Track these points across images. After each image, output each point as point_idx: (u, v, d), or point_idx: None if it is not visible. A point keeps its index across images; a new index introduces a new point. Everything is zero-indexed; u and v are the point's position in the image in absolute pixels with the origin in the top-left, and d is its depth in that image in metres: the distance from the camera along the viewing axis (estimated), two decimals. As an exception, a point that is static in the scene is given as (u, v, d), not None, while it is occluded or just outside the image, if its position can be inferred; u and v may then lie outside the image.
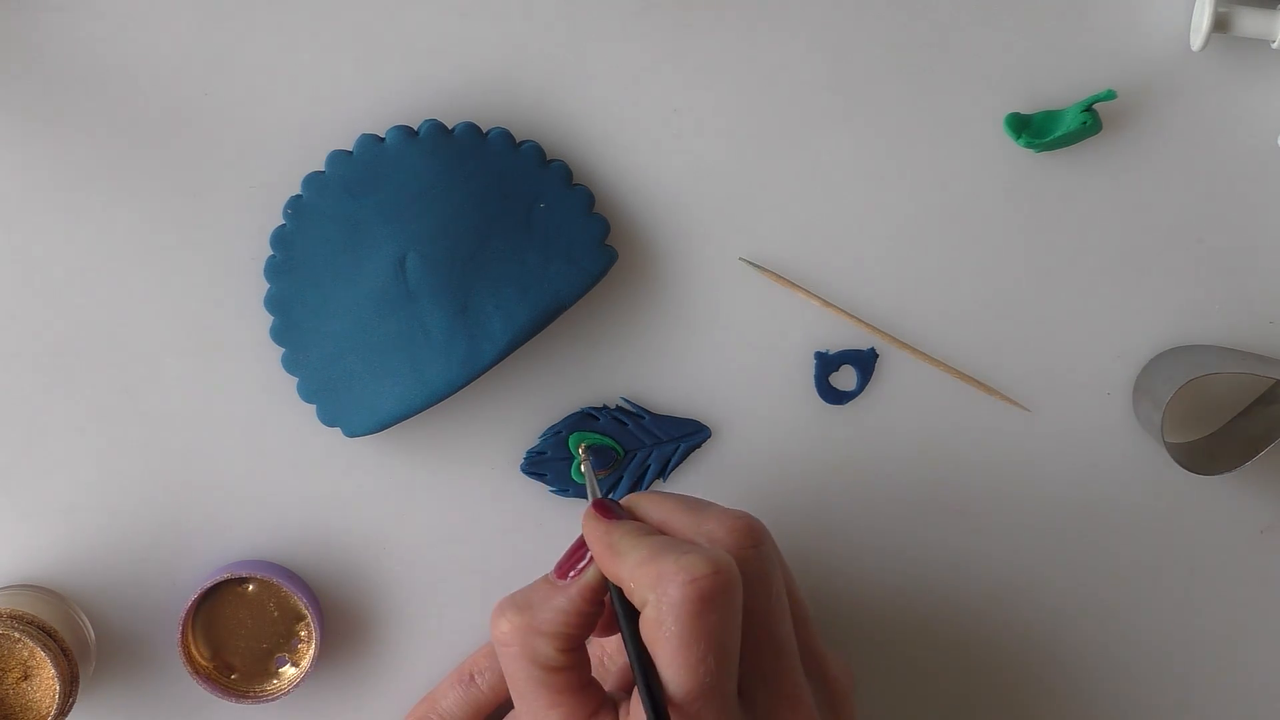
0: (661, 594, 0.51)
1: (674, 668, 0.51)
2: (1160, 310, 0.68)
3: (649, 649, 0.52)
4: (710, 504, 0.57)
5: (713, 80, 0.66)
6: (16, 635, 0.61)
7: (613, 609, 0.55)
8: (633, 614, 0.54)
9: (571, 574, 0.55)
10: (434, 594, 0.68)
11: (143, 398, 0.66)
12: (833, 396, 0.68)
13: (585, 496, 0.67)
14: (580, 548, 0.56)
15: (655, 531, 0.55)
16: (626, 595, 0.54)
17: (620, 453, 0.67)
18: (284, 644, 0.66)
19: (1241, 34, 0.65)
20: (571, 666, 0.55)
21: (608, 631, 0.57)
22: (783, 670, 0.54)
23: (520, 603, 0.55)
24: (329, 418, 0.65)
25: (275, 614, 0.66)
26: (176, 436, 0.66)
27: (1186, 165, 0.68)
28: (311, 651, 0.65)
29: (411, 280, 0.64)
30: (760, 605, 0.54)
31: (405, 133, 0.64)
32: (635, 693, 0.53)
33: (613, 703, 0.55)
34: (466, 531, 0.67)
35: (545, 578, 0.56)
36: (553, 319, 0.65)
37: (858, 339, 0.68)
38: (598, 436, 0.67)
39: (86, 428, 0.66)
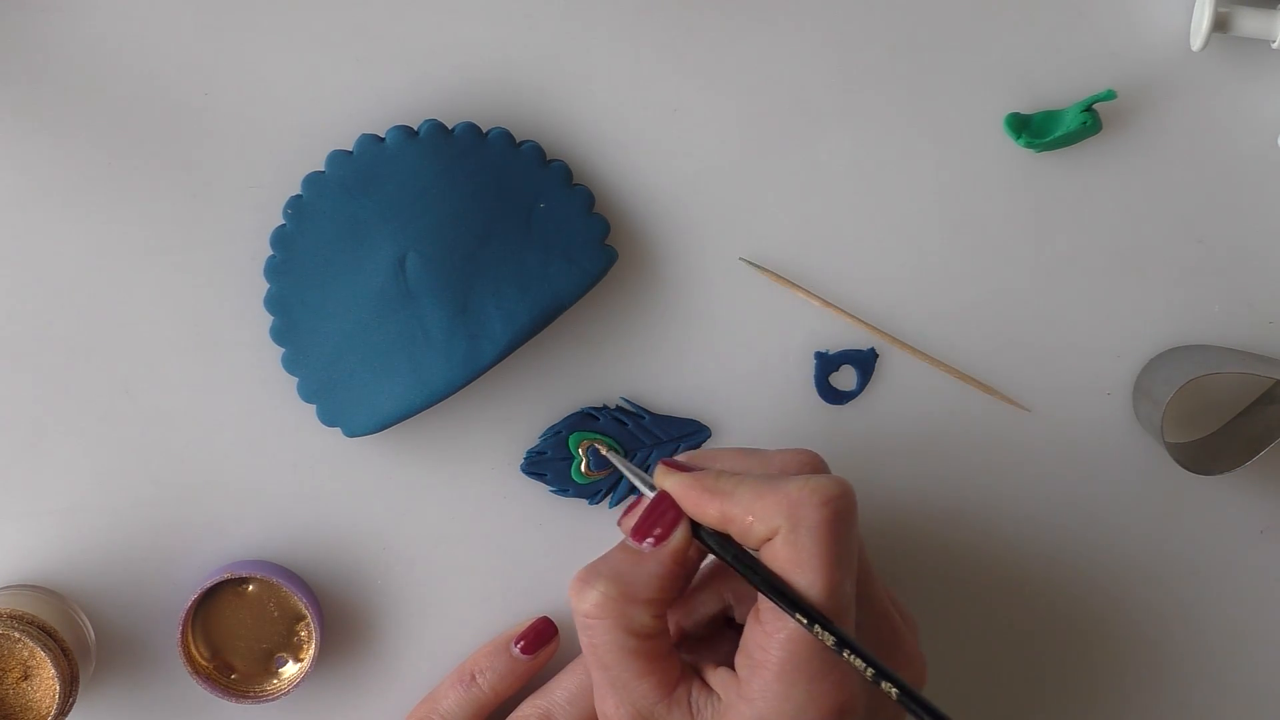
0: (799, 519, 0.53)
1: (822, 586, 0.52)
2: (1160, 310, 0.68)
3: (785, 576, 0.53)
4: (762, 449, 0.58)
5: (713, 80, 0.66)
6: (16, 635, 0.61)
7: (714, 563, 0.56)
8: (743, 551, 0.54)
9: (655, 538, 0.55)
10: (434, 594, 0.68)
11: (143, 398, 0.66)
12: (833, 396, 0.68)
13: (585, 496, 0.68)
14: (657, 510, 0.56)
15: (742, 468, 0.56)
16: (739, 534, 0.54)
17: (620, 453, 0.67)
18: (284, 644, 0.66)
19: (1241, 34, 0.65)
20: (663, 633, 0.55)
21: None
22: (875, 593, 0.56)
23: (608, 572, 0.55)
24: (329, 418, 0.65)
25: (275, 614, 0.66)
26: (176, 436, 0.66)
27: (1186, 165, 0.68)
28: (311, 651, 0.65)
29: (411, 280, 0.64)
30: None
31: (405, 133, 0.64)
32: (757, 614, 0.53)
33: (693, 669, 0.56)
34: (466, 531, 0.67)
35: (622, 545, 0.56)
36: (553, 319, 0.65)
37: (858, 339, 0.68)
38: (598, 436, 0.67)
39: (86, 428, 0.66)
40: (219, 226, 0.65)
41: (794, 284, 0.67)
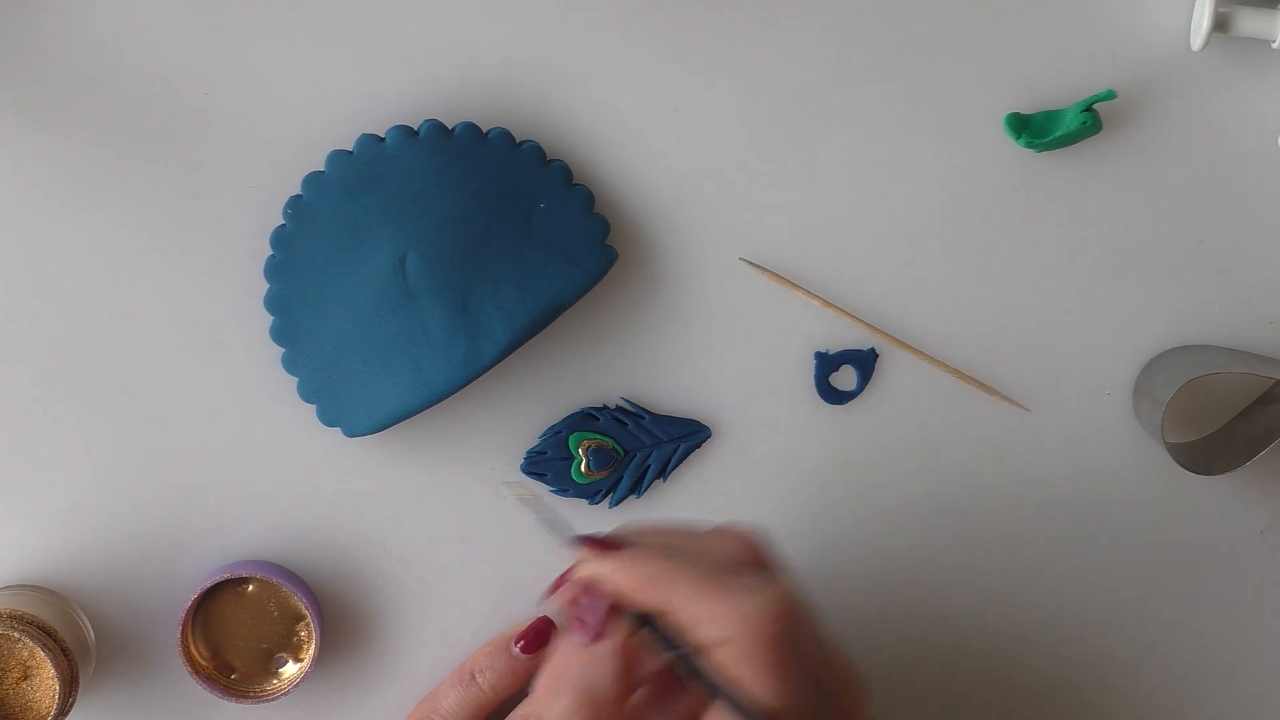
0: (750, 631, 0.52)
1: (779, 694, 0.52)
2: (1160, 310, 0.68)
3: (736, 678, 0.52)
4: (697, 529, 0.57)
5: (713, 80, 0.66)
6: (16, 635, 0.61)
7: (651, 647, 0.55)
8: (685, 647, 0.54)
9: (590, 636, 0.54)
10: (434, 594, 0.68)
11: (143, 398, 0.66)
12: (833, 396, 0.68)
13: (585, 496, 0.68)
14: (581, 607, 0.55)
15: (678, 553, 0.55)
16: (679, 627, 0.53)
17: (620, 453, 0.67)
18: (284, 644, 0.66)
19: (1241, 34, 0.65)
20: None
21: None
22: (835, 671, 0.56)
23: (574, 686, 0.54)
24: (329, 418, 0.65)
25: (275, 614, 0.66)
26: (176, 436, 0.66)
27: (1186, 165, 0.68)
28: (311, 651, 0.65)
29: (411, 280, 0.64)
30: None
31: (405, 133, 0.64)
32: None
33: None
34: (466, 531, 0.67)
35: (565, 650, 0.55)
36: (553, 319, 0.65)
37: (858, 339, 0.68)
38: (598, 436, 0.67)
39: (86, 428, 0.66)
40: (219, 226, 0.65)
41: (794, 284, 0.67)
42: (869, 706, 0.58)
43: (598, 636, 0.55)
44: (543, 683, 0.55)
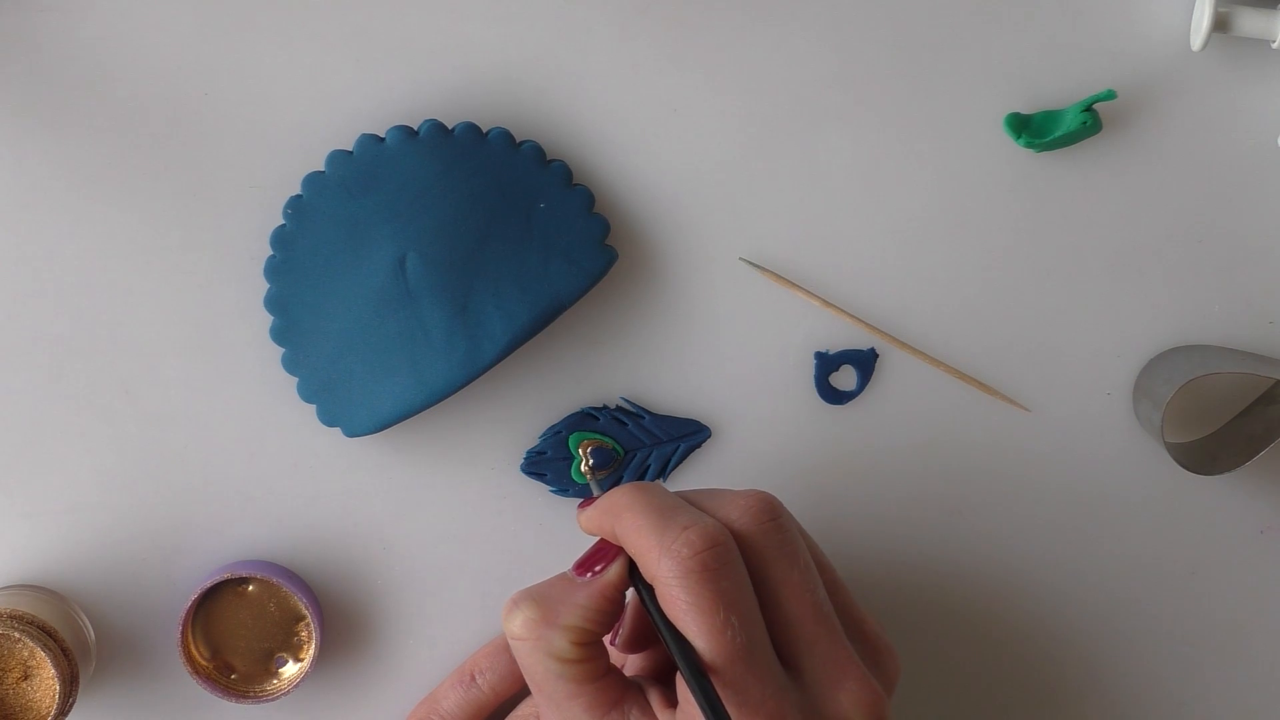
0: (668, 569, 0.53)
1: (702, 636, 0.52)
2: (1160, 310, 0.68)
3: (675, 624, 0.53)
4: (720, 490, 0.58)
5: (713, 80, 0.66)
6: (16, 635, 0.61)
7: (635, 607, 0.57)
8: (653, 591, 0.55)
9: (592, 573, 0.56)
10: (434, 594, 0.68)
11: (143, 398, 0.66)
12: (833, 396, 0.68)
13: (585, 496, 0.67)
14: (603, 547, 0.57)
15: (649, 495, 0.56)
16: (641, 570, 0.55)
17: (620, 453, 0.67)
18: (284, 644, 0.66)
19: (1241, 34, 0.65)
20: (589, 659, 0.55)
21: (630, 644, 0.59)
22: (825, 634, 0.55)
23: (536, 596, 0.56)
24: (329, 418, 0.65)
25: (275, 614, 0.66)
26: (176, 436, 0.66)
27: (1186, 165, 0.68)
28: (311, 651, 0.65)
29: (411, 280, 0.64)
30: (791, 576, 0.55)
31: (405, 133, 0.64)
32: (678, 672, 0.53)
33: (637, 686, 0.56)
34: (466, 531, 0.67)
35: (563, 574, 0.57)
36: (553, 319, 0.65)
37: (858, 339, 0.68)
38: (598, 436, 0.67)
39: (86, 428, 0.66)
40: (219, 226, 0.65)
41: (794, 284, 0.67)
42: (896, 655, 0.58)
43: (586, 571, 0.56)
44: (510, 598, 0.56)
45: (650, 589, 0.55)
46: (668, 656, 0.58)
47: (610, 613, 0.56)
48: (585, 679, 0.55)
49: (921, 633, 0.69)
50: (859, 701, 0.54)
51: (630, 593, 0.57)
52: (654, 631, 0.58)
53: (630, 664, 0.60)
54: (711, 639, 0.52)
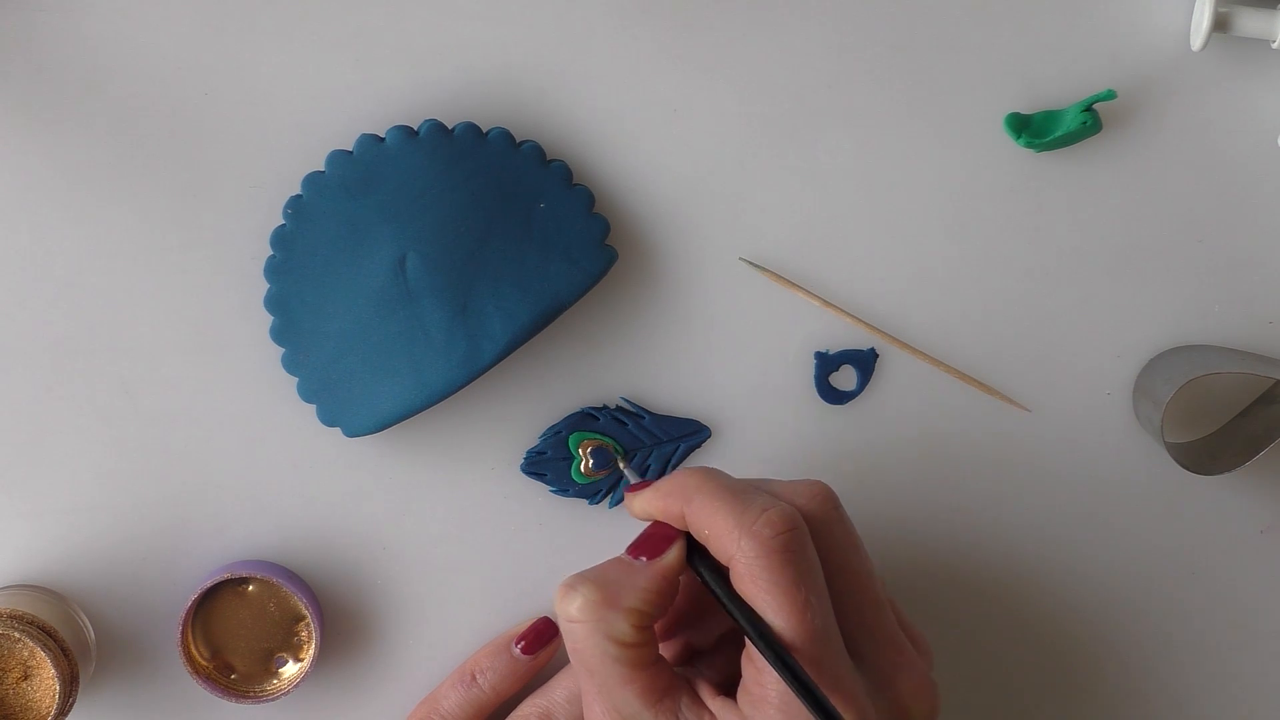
0: (750, 548, 0.53)
1: (782, 615, 0.53)
2: (1160, 310, 0.68)
3: (751, 604, 0.53)
4: (774, 479, 0.58)
5: (713, 80, 0.66)
6: (16, 635, 0.61)
7: (696, 587, 0.57)
8: (722, 571, 0.55)
9: (648, 554, 0.56)
10: (434, 594, 0.68)
11: (143, 398, 0.66)
12: (833, 396, 0.68)
13: (585, 496, 0.67)
14: (659, 530, 0.56)
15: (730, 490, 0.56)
16: (713, 551, 0.55)
17: (620, 453, 0.67)
18: (284, 644, 0.66)
19: (1241, 34, 0.65)
20: (647, 643, 0.55)
21: (665, 630, 0.59)
22: (883, 622, 0.56)
23: (596, 579, 0.55)
24: (329, 418, 0.65)
25: (275, 614, 0.66)
26: (176, 436, 0.66)
27: (1186, 165, 0.68)
28: (311, 652, 0.65)
29: (411, 280, 0.64)
30: (853, 562, 0.56)
31: (405, 133, 0.64)
32: (730, 655, 0.54)
33: (684, 679, 0.56)
34: (466, 531, 0.67)
35: (619, 558, 0.56)
36: (553, 319, 0.65)
37: (858, 339, 0.68)
38: (598, 436, 0.67)
39: (86, 428, 0.66)
40: (219, 226, 0.65)
41: (794, 284, 0.67)
42: (931, 666, 0.58)
43: (650, 557, 0.56)
44: (564, 581, 0.55)
45: (715, 571, 0.55)
46: (696, 644, 0.59)
47: (669, 595, 0.56)
48: (640, 664, 0.54)
49: (920, 632, 0.69)
50: (916, 691, 0.56)
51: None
52: (684, 619, 0.58)
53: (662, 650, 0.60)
54: (792, 618, 0.52)
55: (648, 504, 0.57)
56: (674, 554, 0.56)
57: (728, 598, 0.54)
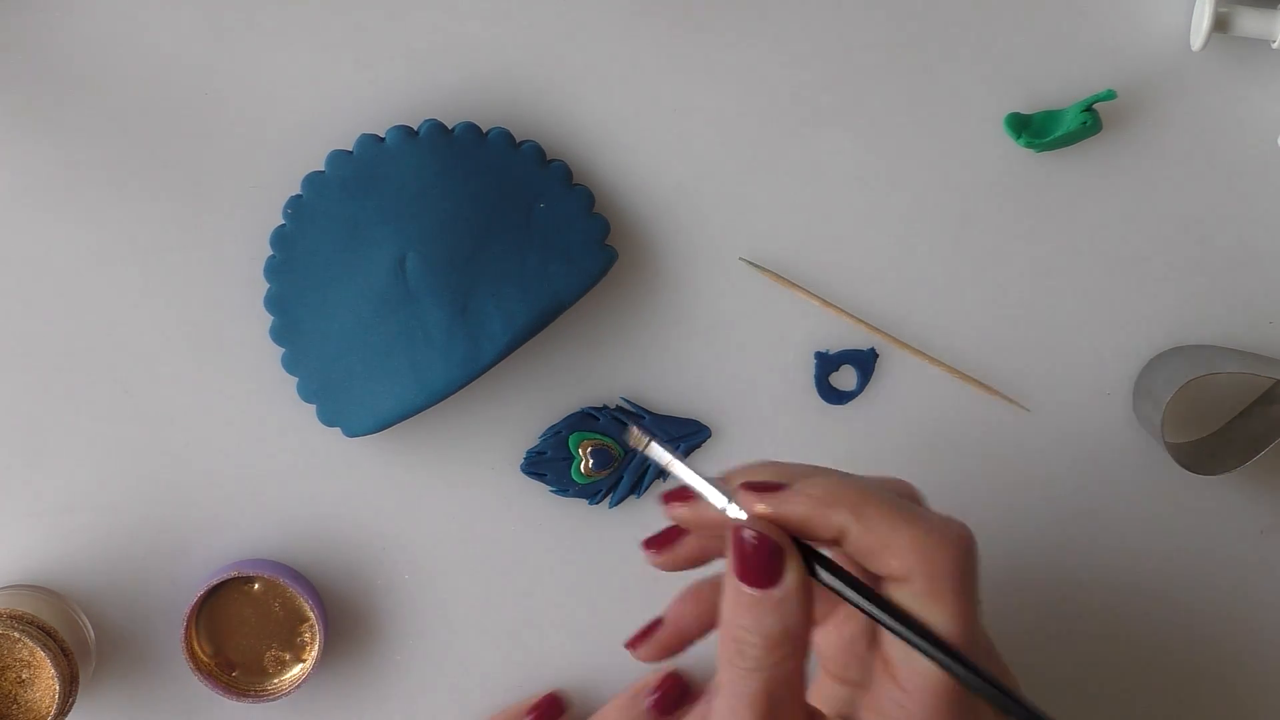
0: (937, 563, 0.50)
1: (959, 621, 0.50)
2: (1160, 310, 0.68)
3: (917, 613, 0.50)
4: (854, 475, 0.54)
5: (713, 80, 0.66)
6: (16, 635, 0.61)
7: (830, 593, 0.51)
8: (864, 583, 0.50)
9: (763, 584, 0.49)
10: (435, 593, 0.68)
11: (143, 398, 0.66)
12: (833, 396, 0.68)
13: (585, 496, 0.67)
14: (759, 548, 0.50)
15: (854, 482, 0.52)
16: (869, 563, 0.50)
17: (620, 453, 0.67)
18: (287, 644, 0.66)
19: (1241, 34, 0.65)
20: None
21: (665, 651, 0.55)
22: (992, 647, 0.56)
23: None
24: (329, 418, 0.65)
25: (280, 614, 0.66)
26: (176, 436, 0.66)
27: (1186, 165, 0.68)
28: (314, 652, 0.65)
29: (411, 280, 0.64)
30: None
31: (405, 133, 0.64)
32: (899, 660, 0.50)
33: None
34: (467, 531, 0.67)
35: (738, 591, 0.50)
36: (553, 319, 0.65)
37: (858, 339, 0.68)
38: (598, 436, 0.67)
39: (86, 428, 0.66)
40: (219, 226, 0.65)
41: (794, 284, 0.67)
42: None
43: (767, 581, 0.49)
44: (721, 644, 0.50)
45: (853, 580, 0.50)
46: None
47: (810, 613, 0.50)
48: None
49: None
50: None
51: (675, 604, 0.53)
52: (681, 646, 0.54)
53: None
54: (968, 624, 0.51)
55: (790, 507, 0.50)
56: (795, 574, 0.50)
57: (879, 609, 0.50)
